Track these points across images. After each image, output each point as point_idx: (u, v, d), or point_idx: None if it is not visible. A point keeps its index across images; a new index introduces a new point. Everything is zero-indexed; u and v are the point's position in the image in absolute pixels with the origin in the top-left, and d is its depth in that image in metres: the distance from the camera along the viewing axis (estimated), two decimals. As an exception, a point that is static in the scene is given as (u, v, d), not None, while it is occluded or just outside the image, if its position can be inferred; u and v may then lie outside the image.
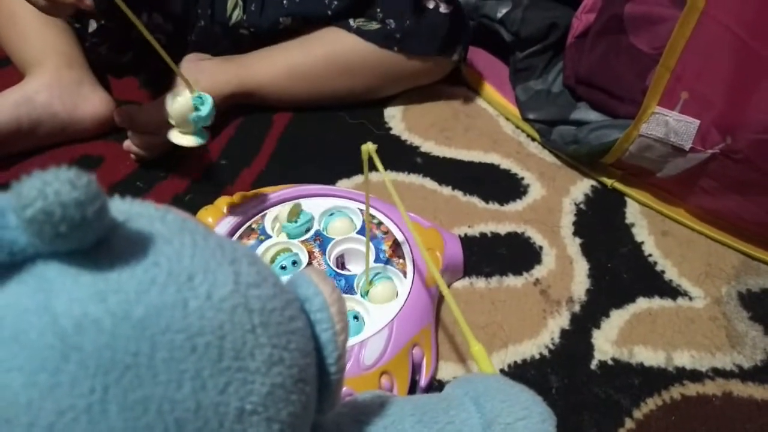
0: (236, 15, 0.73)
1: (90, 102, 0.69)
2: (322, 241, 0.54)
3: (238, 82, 0.71)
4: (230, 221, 0.56)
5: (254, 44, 0.75)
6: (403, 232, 0.55)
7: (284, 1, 0.73)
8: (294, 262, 0.53)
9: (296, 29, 0.75)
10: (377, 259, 0.53)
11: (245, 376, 0.20)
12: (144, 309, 0.19)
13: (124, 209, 0.21)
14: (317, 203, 0.58)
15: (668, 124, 0.60)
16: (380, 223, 0.57)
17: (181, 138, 0.53)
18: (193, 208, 0.63)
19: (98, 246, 0.19)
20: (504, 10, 0.79)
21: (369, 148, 0.47)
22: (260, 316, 0.21)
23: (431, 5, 0.72)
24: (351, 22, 0.72)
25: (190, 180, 0.67)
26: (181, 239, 0.21)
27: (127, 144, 0.65)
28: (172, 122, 0.52)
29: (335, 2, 0.72)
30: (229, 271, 0.21)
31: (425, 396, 0.35)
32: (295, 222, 0.55)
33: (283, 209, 0.55)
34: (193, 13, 0.75)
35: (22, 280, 0.19)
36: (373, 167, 0.47)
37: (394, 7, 0.71)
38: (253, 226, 0.56)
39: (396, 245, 0.55)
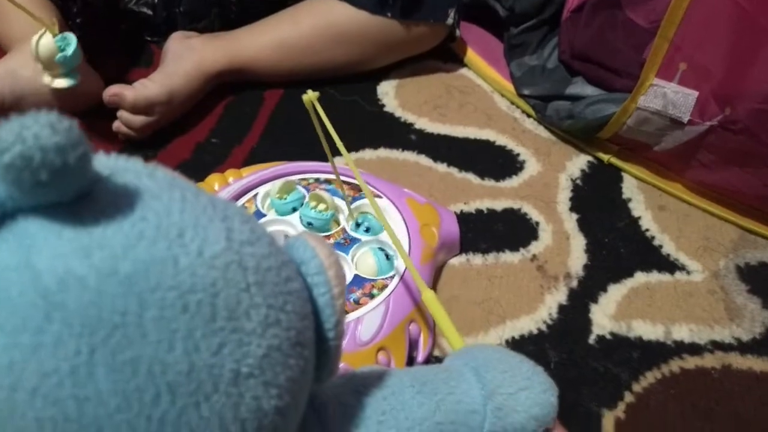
0: None
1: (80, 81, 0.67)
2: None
3: (227, 59, 0.70)
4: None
5: (242, 14, 0.73)
6: (399, 209, 0.54)
7: None
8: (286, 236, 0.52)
9: (285, 0, 0.73)
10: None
11: (240, 337, 0.19)
12: (131, 265, 0.18)
13: (109, 164, 0.20)
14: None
15: (666, 95, 0.59)
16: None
17: (52, 81, 0.54)
18: (183, 187, 0.62)
19: (81, 200, 0.18)
20: (497, -15, 0.77)
21: (311, 96, 0.46)
22: (255, 274, 0.20)
23: None
24: None
25: (179, 159, 0.65)
26: (171, 194, 0.19)
27: (117, 124, 0.63)
28: (40, 66, 0.53)
29: None
30: (221, 227, 0.20)
31: (424, 367, 0.35)
32: (284, 200, 0.54)
33: (275, 185, 0.54)
34: None
35: (1, 237, 0.18)
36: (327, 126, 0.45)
37: None
38: (246, 205, 0.55)
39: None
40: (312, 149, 0.66)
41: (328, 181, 0.57)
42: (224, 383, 0.19)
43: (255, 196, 0.56)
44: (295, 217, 0.53)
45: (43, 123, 0.16)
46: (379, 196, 0.55)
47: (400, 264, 0.51)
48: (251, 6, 0.73)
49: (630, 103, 0.61)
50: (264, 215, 0.54)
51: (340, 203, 0.54)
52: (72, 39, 0.52)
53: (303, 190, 0.55)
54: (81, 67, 0.68)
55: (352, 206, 0.53)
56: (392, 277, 0.49)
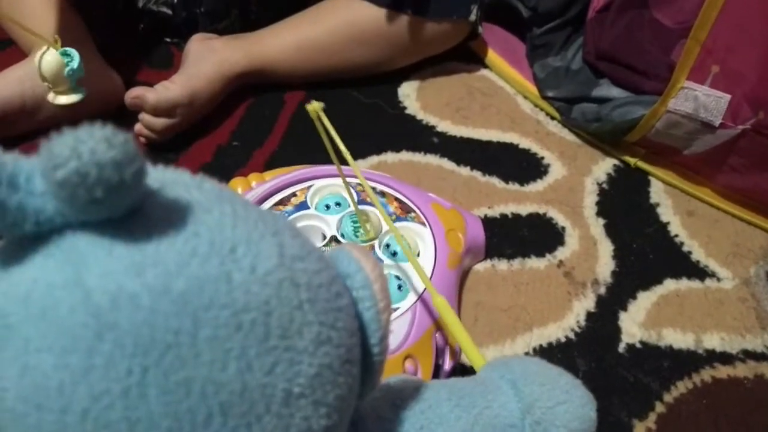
0: None
1: (96, 82, 0.66)
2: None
3: (248, 60, 0.69)
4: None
5: (262, 14, 0.73)
6: (424, 215, 0.53)
7: None
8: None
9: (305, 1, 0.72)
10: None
11: (293, 356, 0.18)
12: (185, 283, 0.17)
13: (157, 176, 0.19)
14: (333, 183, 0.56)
15: (697, 99, 0.57)
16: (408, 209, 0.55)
17: (62, 98, 0.53)
18: (205, 190, 0.62)
19: (132, 215, 0.17)
20: (520, -15, 0.76)
21: (315, 107, 0.44)
22: (307, 291, 0.19)
23: None
24: None
25: (201, 162, 0.65)
26: (221, 208, 0.19)
27: (138, 127, 0.63)
28: (47, 84, 0.52)
29: None
30: (273, 242, 0.19)
31: (460, 380, 0.34)
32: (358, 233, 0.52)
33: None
34: None
35: (49, 253, 0.17)
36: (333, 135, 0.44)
37: None
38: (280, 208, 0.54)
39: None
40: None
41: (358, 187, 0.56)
42: (276, 403, 0.18)
43: (309, 187, 0.55)
44: (333, 218, 0.52)
45: (98, 137, 0.15)
46: (410, 211, 0.54)
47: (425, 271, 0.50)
48: (272, 6, 0.72)
49: (659, 106, 0.60)
50: (308, 208, 0.53)
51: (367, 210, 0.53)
52: (74, 53, 0.51)
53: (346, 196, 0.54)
54: (101, 67, 0.68)
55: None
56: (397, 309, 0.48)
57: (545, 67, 0.74)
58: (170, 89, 0.62)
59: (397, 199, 0.54)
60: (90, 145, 0.15)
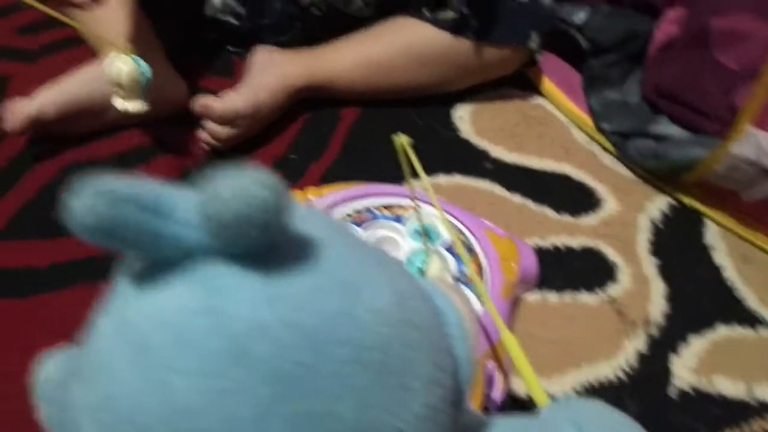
0: None
1: (163, 86, 0.68)
2: None
3: (310, 75, 0.71)
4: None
5: (324, 28, 0.74)
6: (479, 242, 0.54)
7: None
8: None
9: (367, 16, 0.73)
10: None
11: (406, 395, 0.19)
12: (314, 318, 0.18)
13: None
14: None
15: (761, 145, 0.57)
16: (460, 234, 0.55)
17: (129, 105, 0.53)
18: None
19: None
20: (582, 16, 0.76)
21: (403, 141, 0.45)
22: (421, 331, 0.19)
23: None
24: (425, 11, 0.71)
25: (258, 171, 0.66)
26: (344, 244, 0.20)
27: (203, 135, 0.65)
28: (120, 90, 0.52)
29: None
30: (390, 280, 0.20)
31: (524, 419, 0.34)
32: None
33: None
34: None
35: (187, 279, 0.18)
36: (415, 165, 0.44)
37: None
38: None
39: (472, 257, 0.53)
40: (388, 170, 0.67)
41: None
42: (385, 440, 0.18)
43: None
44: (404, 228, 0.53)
45: (258, 181, 0.16)
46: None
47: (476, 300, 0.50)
48: (334, 22, 0.74)
49: (720, 150, 0.59)
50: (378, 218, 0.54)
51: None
52: (140, 60, 0.53)
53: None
54: (168, 72, 0.70)
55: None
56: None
57: (602, 99, 0.74)
58: (236, 100, 0.64)
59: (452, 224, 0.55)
60: (251, 189, 0.16)
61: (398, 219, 0.55)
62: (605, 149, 0.72)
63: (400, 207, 0.55)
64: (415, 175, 0.45)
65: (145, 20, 0.71)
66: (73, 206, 0.18)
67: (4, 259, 0.56)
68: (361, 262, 0.19)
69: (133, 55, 0.52)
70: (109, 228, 0.17)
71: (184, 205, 0.18)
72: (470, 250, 0.52)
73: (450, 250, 0.52)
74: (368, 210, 0.55)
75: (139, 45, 0.68)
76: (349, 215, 0.55)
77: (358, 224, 0.54)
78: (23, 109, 0.61)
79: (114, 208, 0.17)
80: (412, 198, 0.51)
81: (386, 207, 0.56)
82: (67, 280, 0.55)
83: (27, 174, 0.63)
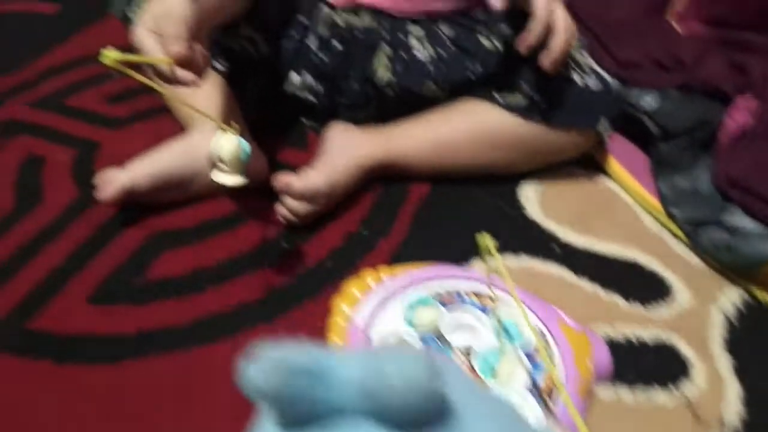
0: (385, 76, 0.75)
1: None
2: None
3: (383, 154, 0.73)
4: (374, 302, 0.56)
5: (398, 107, 0.77)
6: (553, 336, 0.54)
7: (429, 66, 0.75)
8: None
9: (439, 97, 0.76)
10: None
11: None
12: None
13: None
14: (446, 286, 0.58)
15: (844, 248, 0.56)
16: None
17: (229, 178, 0.56)
18: (333, 275, 0.65)
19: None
20: (651, 101, 0.77)
21: (487, 242, 0.46)
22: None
23: (578, 79, 0.72)
24: (495, 94, 0.73)
25: (331, 246, 0.68)
26: (482, 408, 0.21)
27: (282, 210, 0.67)
28: (224, 165, 0.55)
29: (479, 68, 0.73)
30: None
31: None
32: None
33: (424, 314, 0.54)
34: (343, 74, 0.77)
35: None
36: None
37: (540, 80, 0.71)
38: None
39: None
40: (457, 248, 0.68)
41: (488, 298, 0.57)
42: None
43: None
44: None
45: (423, 368, 0.18)
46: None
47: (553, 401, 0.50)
48: (407, 102, 0.76)
49: (800, 248, 0.59)
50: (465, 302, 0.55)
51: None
52: (243, 140, 0.56)
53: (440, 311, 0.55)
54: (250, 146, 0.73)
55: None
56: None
57: (671, 185, 0.74)
58: (315, 178, 0.67)
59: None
60: (418, 377, 0.17)
61: (484, 309, 0.55)
62: (675, 236, 0.72)
63: (490, 298, 0.56)
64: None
65: (230, 92, 0.75)
66: (250, 374, 0.19)
67: (94, 325, 0.59)
68: (499, 427, 0.20)
69: (236, 133, 0.55)
70: (281, 396, 0.19)
71: (347, 376, 0.19)
72: (546, 345, 0.53)
73: (529, 355, 0.52)
74: (458, 293, 0.56)
75: (223, 116, 0.73)
76: (439, 293, 0.56)
77: (444, 305, 0.55)
78: (117, 180, 0.65)
79: (287, 379, 0.19)
80: (490, 286, 0.52)
81: (476, 294, 0.56)
82: (153, 348, 0.57)
83: (115, 240, 0.67)
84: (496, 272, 0.50)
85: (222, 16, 0.65)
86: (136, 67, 0.49)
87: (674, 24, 0.91)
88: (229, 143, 0.55)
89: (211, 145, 0.56)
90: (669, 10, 0.92)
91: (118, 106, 0.85)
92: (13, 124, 0.82)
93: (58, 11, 1.08)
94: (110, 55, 0.47)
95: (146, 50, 0.51)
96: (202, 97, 0.71)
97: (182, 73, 0.51)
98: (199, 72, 0.53)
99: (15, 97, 0.87)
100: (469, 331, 0.54)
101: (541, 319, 0.55)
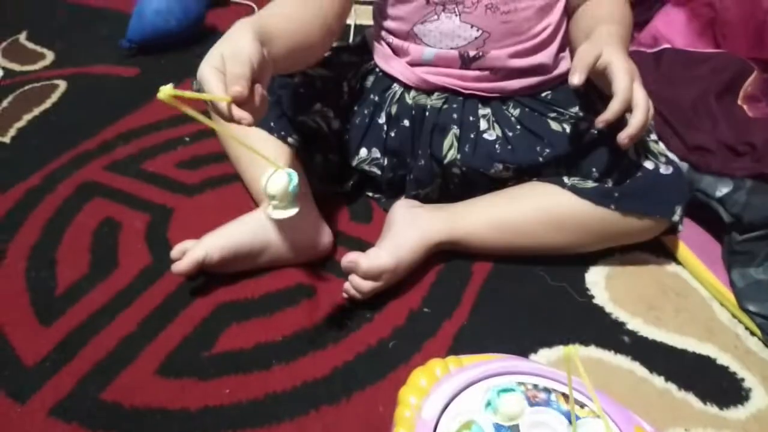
0: (451, 154, 0.76)
1: (313, 233, 0.73)
2: None
3: (447, 232, 0.73)
4: (442, 394, 0.55)
5: (463, 184, 0.78)
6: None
7: (497, 146, 0.75)
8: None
9: (506, 178, 0.76)
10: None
11: None
12: None
13: None
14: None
15: None
16: None
17: (282, 213, 0.58)
18: (396, 357, 0.65)
19: None
20: (724, 190, 0.76)
21: (572, 353, 0.45)
22: None
23: (650, 165, 0.70)
24: (565, 179, 0.73)
25: (394, 325, 0.68)
26: None
27: (347, 286, 0.68)
28: (274, 200, 0.57)
29: (547, 151, 0.73)
30: None
31: None
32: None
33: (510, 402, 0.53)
34: (410, 151, 0.78)
35: None
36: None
37: (610, 165, 0.71)
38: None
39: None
40: (520, 333, 0.67)
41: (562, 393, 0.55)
42: None
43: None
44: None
45: None
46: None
47: None
48: (472, 181, 0.77)
49: None
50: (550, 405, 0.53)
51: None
52: (293, 173, 0.58)
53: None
54: (317, 219, 0.75)
55: None
56: None
57: (745, 276, 0.72)
58: (381, 257, 0.67)
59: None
60: None
61: (567, 414, 0.53)
62: (751, 331, 0.69)
63: (581, 407, 0.53)
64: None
65: (300, 169, 0.77)
66: None
67: (161, 399, 0.60)
68: None
69: (287, 169, 0.57)
70: None
71: None
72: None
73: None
74: (546, 391, 0.54)
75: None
76: (523, 384, 0.55)
77: (530, 400, 0.53)
78: (192, 253, 0.66)
79: None
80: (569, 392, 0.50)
81: (564, 397, 0.54)
82: (218, 425, 0.58)
83: (185, 311, 0.69)
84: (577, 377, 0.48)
85: (290, 65, 0.67)
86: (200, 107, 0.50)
87: (746, 107, 0.89)
88: (279, 178, 0.57)
89: (262, 183, 0.58)
90: (741, 92, 0.90)
91: (190, 173, 0.89)
92: (91, 186, 0.86)
93: (138, 74, 1.14)
94: (166, 91, 0.47)
95: (209, 87, 0.52)
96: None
97: (238, 113, 0.51)
98: (255, 113, 0.53)
99: (93, 160, 0.91)
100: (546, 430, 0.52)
101: (618, 426, 0.53)
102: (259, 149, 0.59)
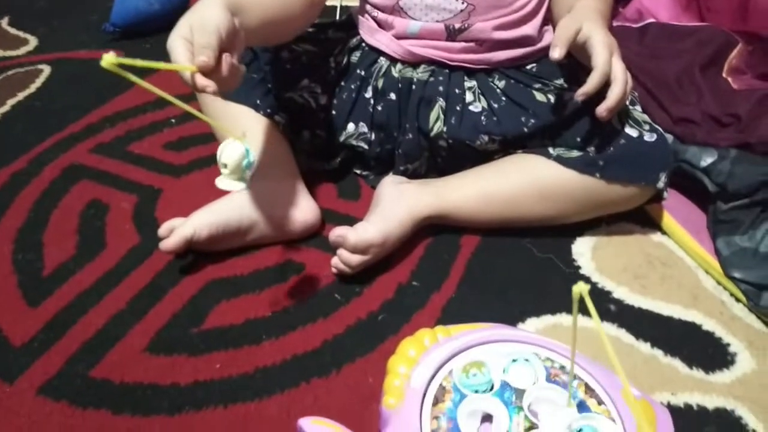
0: (437, 126, 0.76)
1: (300, 210, 0.73)
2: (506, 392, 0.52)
3: (436, 206, 0.74)
4: (431, 363, 0.55)
5: (451, 158, 0.78)
6: (617, 408, 0.52)
7: (483, 118, 0.75)
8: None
9: (492, 149, 0.76)
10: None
11: None
12: None
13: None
14: (503, 349, 0.57)
15: None
16: (588, 389, 0.54)
17: (228, 184, 0.57)
18: (386, 329, 0.65)
19: None
20: (709, 160, 0.76)
21: (582, 289, 0.44)
22: None
23: (634, 133, 0.71)
24: (550, 149, 0.73)
25: (383, 298, 0.68)
26: None
27: (335, 261, 0.68)
28: (226, 170, 0.57)
29: (532, 122, 0.73)
30: None
31: None
32: (469, 377, 0.53)
33: (461, 363, 0.53)
34: (398, 125, 0.78)
35: None
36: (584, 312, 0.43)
37: (594, 134, 0.71)
38: (444, 384, 0.54)
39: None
40: (508, 304, 0.68)
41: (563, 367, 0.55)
42: None
43: (451, 372, 0.55)
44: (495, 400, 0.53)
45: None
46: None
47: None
48: (459, 154, 0.77)
49: None
50: (464, 396, 0.53)
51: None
52: (251, 150, 0.57)
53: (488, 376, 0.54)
54: (304, 195, 0.75)
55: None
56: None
57: (730, 244, 0.72)
58: (368, 231, 0.67)
59: (587, 384, 0.54)
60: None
61: (580, 403, 0.52)
62: (736, 297, 0.70)
63: (598, 404, 0.53)
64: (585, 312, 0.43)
65: (284, 140, 0.77)
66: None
67: (151, 375, 0.60)
68: None
69: (243, 141, 0.56)
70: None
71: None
72: (612, 420, 0.51)
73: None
74: (563, 370, 0.54)
75: (276, 162, 0.74)
76: (550, 361, 0.55)
77: (549, 377, 0.54)
78: (180, 231, 0.66)
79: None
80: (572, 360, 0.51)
81: (589, 389, 0.53)
82: (210, 400, 0.58)
83: (174, 289, 0.69)
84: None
85: (267, 36, 0.66)
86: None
87: (730, 79, 0.90)
88: (234, 149, 0.56)
89: (218, 151, 0.57)
90: (725, 64, 0.91)
91: (177, 154, 0.88)
92: (77, 169, 0.86)
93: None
94: (109, 59, 0.43)
95: (175, 57, 0.51)
96: (267, 153, 0.73)
97: (201, 81, 0.51)
98: (223, 82, 0.52)
99: (79, 143, 0.91)
100: (550, 408, 0.52)
101: (604, 389, 0.53)
102: (243, 125, 0.58)
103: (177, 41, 0.52)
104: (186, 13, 0.54)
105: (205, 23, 0.52)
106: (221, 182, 0.58)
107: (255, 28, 0.60)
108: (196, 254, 0.71)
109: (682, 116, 0.83)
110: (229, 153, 0.56)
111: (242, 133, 0.57)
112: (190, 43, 0.52)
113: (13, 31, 1.24)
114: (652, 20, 1.01)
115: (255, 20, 0.60)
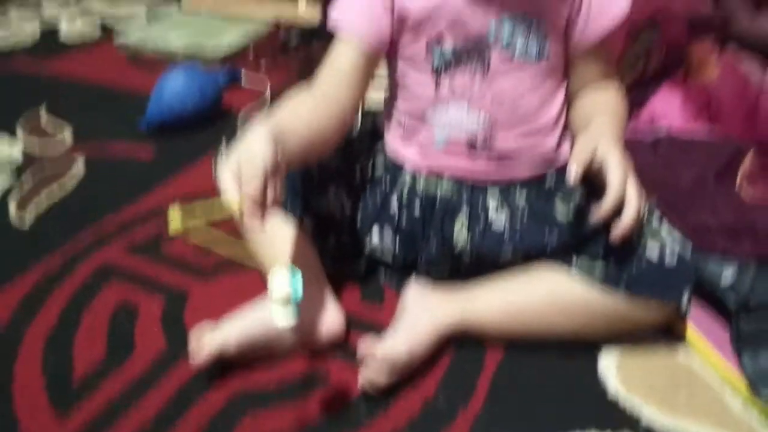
0: (462, 242, 0.78)
1: (327, 319, 0.74)
2: None
3: (459, 318, 0.75)
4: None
5: (472, 267, 0.79)
6: None
7: (505, 234, 0.77)
8: None
9: (514, 262, 0.78)
10: None
11: None
12: None
13: None
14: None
15: None
16: None
17: (283, 318, 0.59)
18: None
19: None
20: (729, 276, 0.77)
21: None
22: None
23: (656, 250, 0.72)
24: (572, 263, 0.74)
25: (409, 416, 0.68)
26: None
27: (363, 381, 0.69)
28: (277, 304, 0.59)
29: (554, 237, 0.75)
30: None
31: None
32: None
33: None
34: (421, 236, 0.80)
35: None
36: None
37: (618, 250, 0.72)
38: None
39: None
40: (536, 421, 0.67)
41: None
42: None
43: None
44: None
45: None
46: None
47: None
48: (482, 265, 0.78)
49: None
50: None
51: None
52: (298, 283, 0.59)
53: None
54: (329, 302, 0.76)
55: None
56: None
57: (755, 363, 0.72)
58: (396, 349, 0.68)
59: None
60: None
61: None
62: (765, 418, 0.69)
63: None
64: None
65: (310, 246, 0.79)
66: None
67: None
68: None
69: (293, 272, 0.59)
70: None
71: None
72: None
73: None
74: None
75: (302, 267, 0.76)
76: None
77: None
78: (209, 345, 0.68)
79: None
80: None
81: None
82: None
83: (199, 400, 0.69)
84: None
85: (305, 159, 0.70)
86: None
87: (744, 187, 0.92)
88: (283, 281, 0.59)
89: (268, 285, 0.59)
90: (740, 172, 0.93)
91: (204, 256, 0.91)
92: (109, 269, 0.88)
93: (154, 155, 1.17)
94: (177, 227, 0.48)
95: (224, 186, 0.57)
96: (278, 245, 0.76)
97: (248, 220, 0.56)
98: (266, 210, 0.57)
99: (111, 242, 0.94)
100: None
101: None
102: (270, 228, 0.60)
103: (226, 174, 0.57)
104: (235, 146, 0.58)
105: (252, 157, 0.56)
106: (276, 318, 0.60)
107: (296, 154, 0.64)
108: (222, 361, 0.72)
109: (698, 224, 0.84)
110: (279, 289, 0.59)
111: (291, 266, 0.60)
112: (239, 177, 0.56)
113: (49, 118, 1.31)
114: (663, 132, 1.04)
115: (296, 147, 0.64)
